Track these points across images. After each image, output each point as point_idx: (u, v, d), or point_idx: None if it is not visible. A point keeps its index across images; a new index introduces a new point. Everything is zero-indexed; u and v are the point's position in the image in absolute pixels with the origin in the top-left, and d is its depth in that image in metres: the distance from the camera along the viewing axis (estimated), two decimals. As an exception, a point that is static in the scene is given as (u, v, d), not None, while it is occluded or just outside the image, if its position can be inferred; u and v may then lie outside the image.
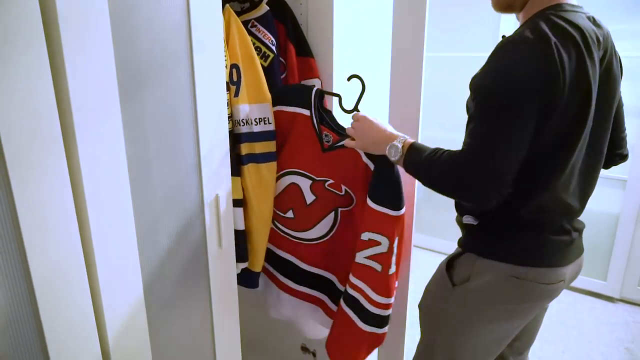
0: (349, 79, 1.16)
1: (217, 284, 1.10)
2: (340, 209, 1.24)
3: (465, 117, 0.93)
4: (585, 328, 2.21)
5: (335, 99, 1.22)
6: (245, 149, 1.18)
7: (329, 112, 1.24)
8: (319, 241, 1.28)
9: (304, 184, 1.25)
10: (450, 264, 1.07)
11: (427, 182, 0.95)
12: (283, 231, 1.32)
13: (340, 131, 1.21)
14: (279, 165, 1.26)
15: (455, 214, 1.11)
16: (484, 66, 0.90)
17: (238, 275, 1.21)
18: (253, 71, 1.16)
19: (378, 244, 1.13)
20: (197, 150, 0.99)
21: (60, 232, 0.73)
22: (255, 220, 1.22)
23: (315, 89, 1.21)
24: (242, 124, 1.16)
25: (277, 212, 1.30)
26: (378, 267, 1.14)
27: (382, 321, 1.19)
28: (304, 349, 1.70)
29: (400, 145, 1.00)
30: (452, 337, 1.05)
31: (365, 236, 1.14)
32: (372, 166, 1.15)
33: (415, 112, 1.22)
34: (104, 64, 0.76)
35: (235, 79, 1.13)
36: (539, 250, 0.96)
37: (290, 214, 1.29)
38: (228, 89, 1.13)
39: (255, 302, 1.82)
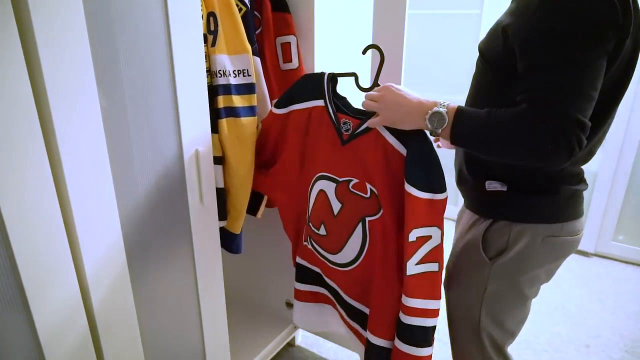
0: (364, 52, 1.03)
1: (200, 239, 1.09)
2: (367, 219, 1.06)
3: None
4: (561, 281, 2.29)
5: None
6: (222, 101, 1.13)
7: (344, 98, 1.10)
8: (350, 267, 1.12)
9: (330, 189, 1.10)
10: (483, 238, 0.97)
11: (491, 148, 0.83)
12: (321, 254, 1.18)
13: (359, 115, 1.05)
14: (309, 173, 1.14)
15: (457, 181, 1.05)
16: (537, 7, 0.77)
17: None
18: (231, 19, 1.10)
19: (429, 238, 0.96)
20: (175, 103, 0.95)
21: (36, 192, 0.71)
22: (233, 178, 1.19)
23: (326, 74, 1.09)
24: (219, 75, 1.12)
25: (313, 227, 1.16)
26: (435, 267, 0.97)
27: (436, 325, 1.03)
28: (289, 304, 1.73)
29: (444, 111, 0.84)
30: (497, 312, 1.00)
31: (413, 236, 0.95)
32: (401, 148, 0.97)
33: (397, 71, 1.20)
34: (72, 10, 0.71)
35: (212, 28, 1.08)
36: (570, 204, 0.93)
37: (322, 230, 1.13)
38: (205, 39, 1.08)
39: (239, 258, 1.84)
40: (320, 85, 1.09)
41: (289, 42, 1.30)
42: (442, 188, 0.94)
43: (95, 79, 0.77)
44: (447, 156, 1.13)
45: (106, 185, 0.83)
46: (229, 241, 1.29)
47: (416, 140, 0.95)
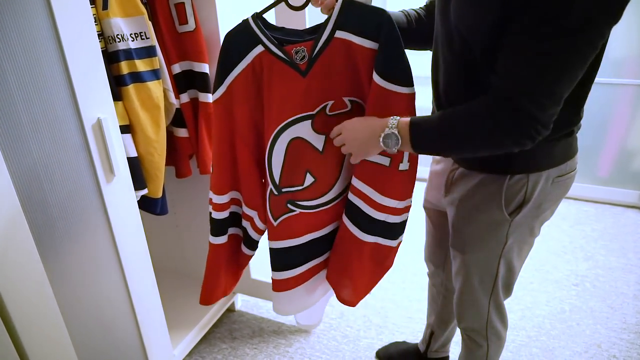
0: None
1: (116, 211, 1.06)
2: None
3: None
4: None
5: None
6: (125, 67, 1.09)
7: (282, 29, 0.99)
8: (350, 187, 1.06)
9: (305, 129, 0.98)
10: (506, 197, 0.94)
11: (452, 151, 0.85)
12: (312, 207, 1.05)
13: (310, 36, 0.96)
14: (267, 131, 1.00)
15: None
16: None
17: (138, 202, 1.17)
18: (120, -22, 1.05)
19: None
20: (65, 70, 0.90)
21: None
22: (147, 144, 1.16)
23: (249, 17, 0.96)
24: (117, 40, 1.06)
25: (295, 189, 1.02)
26: (385, 161, 0.95)
27: (389, 229, 1.01)
28: (224, 272, 1.73)
29: (396, 131, 0.83)
30: (513, 258, 1.02)
31: None
32: (370, 44, 0.91)
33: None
34: None
35: (100, -11, 1.02)
36: (575, 141, 0.94)
37: (309, 179, 1.02)
38: (92, 2, 1.02)
39: (166, 228, 1.81)
40: (249, 31, 0.94)
41: (183, 3, 1.24)
42: (409, 81, 0.91)
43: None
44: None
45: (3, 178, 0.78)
46: (153, 206, 1.28)
47: (385, 31, 0.90)
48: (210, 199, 1.08)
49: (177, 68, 1.29)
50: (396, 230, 1.02)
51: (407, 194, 1.00)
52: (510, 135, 0.74)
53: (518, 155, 0.87)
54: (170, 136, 1.35)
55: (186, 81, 1.32)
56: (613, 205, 2.61)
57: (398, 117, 0.84)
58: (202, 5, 1.29)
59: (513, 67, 0.72)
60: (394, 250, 1.04)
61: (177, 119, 1.34)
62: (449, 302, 1.33)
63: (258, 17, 0.95)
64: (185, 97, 1.33)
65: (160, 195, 1.26)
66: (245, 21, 0.95)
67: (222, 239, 1.11)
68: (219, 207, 1.09)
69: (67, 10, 0.87)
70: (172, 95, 1.27)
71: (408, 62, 0.91)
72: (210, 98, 1.34)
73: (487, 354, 1.17)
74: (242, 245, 1.16)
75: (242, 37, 0.95)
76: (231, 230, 1.13)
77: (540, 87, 0.71)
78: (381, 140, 0.84)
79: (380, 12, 0.90)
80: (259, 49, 0.94)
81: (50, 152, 0.89)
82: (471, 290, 1.07)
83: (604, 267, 2.06)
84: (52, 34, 0.86)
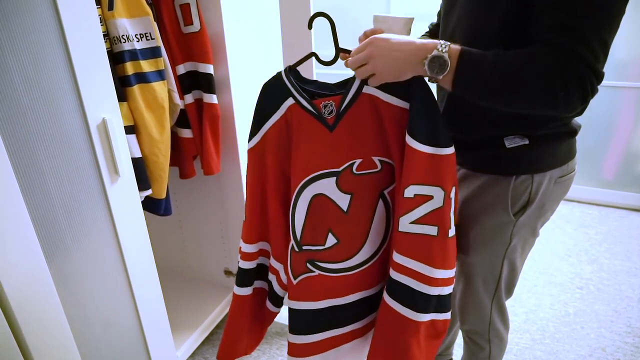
0: (310, 25, 0.94)
1: (120, 212, 1.06)
2: (386, 192, 0.94)
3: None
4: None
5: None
6: (130, 68, 1.09)
7: (314, 82, 0.96)
8: (379, 253, 0.99)
9: (329, 186, 0.93)
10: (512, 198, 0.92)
11: (497, 95, 0.76)
12: (334, 270, 0.98)
13: (339, 90, 0.92)
14: (293, 184, 0.96)
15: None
16: None
17: (142, 202, 1.17)
18: (126, -21, 1.05)
19: (429, 198, 0.85)
20: (71, 72, 0.90)
21: None
22: (151, 145, 1.16)
23: (283, 70, 0.95)
24: (122, 40, 1.06)
25: (316, 248, 0.97)
26: (433, 230, 0.86)
27: (444, 302, 0.93)
28: (228, 272, 1.73)
29: (446, 55, 0.74)
30: (515, 259, 1.01)
31: (410, 192, 0.85)
32: (401, 102, 0.86)
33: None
34: None
35: (106, -11, 1.02)
36: (574, 140, 0.93)
37: (332, 240, 0.96)
38: (98, 2, 1.02)
39: (171, 229, 1.81)
40: (281, 83, 0.94)
41: (188, 3, 1.24)
42: (447, 142, 0.84)
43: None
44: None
45: (4, 172, 0.78)
46: (157, 207, 1.28)
47: (417, 90, 0.84)
48: (240, 248, 1.07)
49: (181, 69, 1.29)
50: (449, 301, 0.95)
51: (455, 259, 0.92)
52: (567, 84, 0.70)
53: (523, 156, 0.88)
54: (174, 137, 1.35)
55: (191, 82, 1.32)
56: (617, 208, 2.59)
57: (448, 42, 0.75)
58: (207, 6, 1.29)
59: (566, 20, 0.70)
60: (448, 321, 0.97)
61: (182, 120, 1.34)
62: None
63: (290, 70, 0.95)
64: (189, 98, 1.33)
65: (164, 196, 1.26)
66: (279, 74, 0.95)
67: (246, 290, 1.08)
68: (247, 257, 1.06)
69: (73, 11, 0.87)
70: (176, 96, 1.27)
71: (442, 121, 0.85)
72: (214, 99, 1.34)
73: (490, 356, 1.17)
74: (267, 300, 1.13)
75: (275, 89, 0.95)
76: (257, 284, 1.10)
77: (594, 37, 0.69)
78: (426, 63, 0.75)
79: None
80: (290, 101, 0.93)
81: (55, 152, 0.89)
82: (474, 292, 1.07)
83: (608, 271, 2.05)
84: (58, 34, 0.86)
